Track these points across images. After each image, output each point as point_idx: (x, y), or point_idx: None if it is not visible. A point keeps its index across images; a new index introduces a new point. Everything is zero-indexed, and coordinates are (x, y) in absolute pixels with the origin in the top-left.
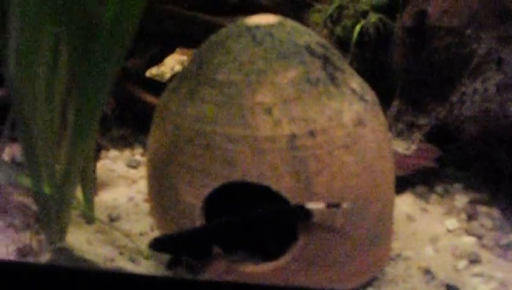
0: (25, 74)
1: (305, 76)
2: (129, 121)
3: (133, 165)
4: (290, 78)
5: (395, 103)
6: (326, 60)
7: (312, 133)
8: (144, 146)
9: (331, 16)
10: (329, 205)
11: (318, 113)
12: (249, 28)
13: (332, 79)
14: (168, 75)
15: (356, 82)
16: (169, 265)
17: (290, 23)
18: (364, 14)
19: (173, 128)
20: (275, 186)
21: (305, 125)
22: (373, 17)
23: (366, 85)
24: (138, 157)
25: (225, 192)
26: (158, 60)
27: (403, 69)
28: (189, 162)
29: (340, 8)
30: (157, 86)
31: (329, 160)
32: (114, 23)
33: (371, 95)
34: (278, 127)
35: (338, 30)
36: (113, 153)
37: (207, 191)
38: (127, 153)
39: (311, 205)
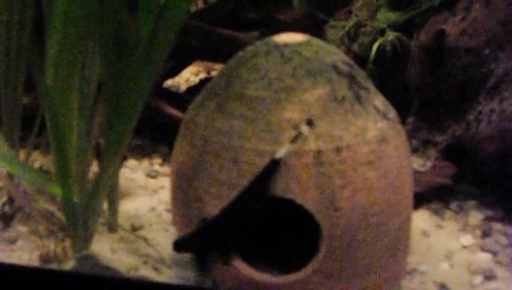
0: (62, 86)
1: (332, 94)
2: (147, 131)
3: (152, 175)
4: (317, 96)
5: (411, 120)
6: (352, 79)
7: (338, 150)
8: (163, 156)
9: (348, 32)
10: (292, 140)
11: (344, 130)
12: (277, 46)
13: (358, 97)
14: (183, 87)
15: (379, 100)
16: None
17: (317, 42)
18: (382, 32)
19: (201, 141)
20: (299, 200)
21: (331, 141)
22: (390, 35)
23: (388, 103)
24: (157, 167)
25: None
26: (176, 72)
27: (419, 87)
28: (216, 175)
29: (358, 25)
30: (174, 97)
31: (353, 175)
32: (150, 40)
33: (393, 113)
34: (305, 143)
35: (355, 47)
36: (131, 162)
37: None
38: (145, 162)
39: (279, 154)
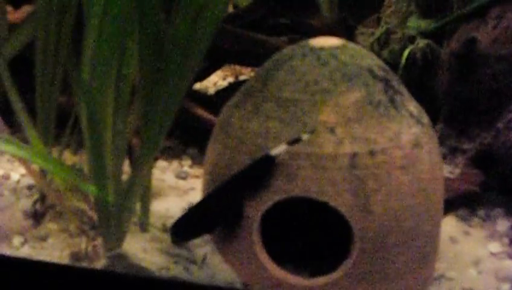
0: (98, 83)
1: (367, 98)
2: (177, 133)
3: (182, 177)
4: (353, 100)
5: (439, 127)
6: (387, 83)
7: (372, 153)
8: (192, 158)
9: (378, 39)
10: (290, 143)
11: (378, 134)
12: (313, 49)
13: (393, 102)
14: (211, 90)
15: (413, 105)
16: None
17: (353, 46)
18: (412, 39)
19: (236, 142)
20: (333, 203)
21: (366, 145)
22: (421, 43)
23: (421, 109)
24: (187, 168)
25: (284, 206)
26: (205, 75)
27: (448, 95)
28: None
29: (388, 32)
30: (204, 99)
31: (387, 179)
32: (188, 39)
33: (426, 119)
34: (340, 145)
35: (385, 54)
36: (161, 163)
37: (266, 205)
38: (175, 164)
39: (274, 151)
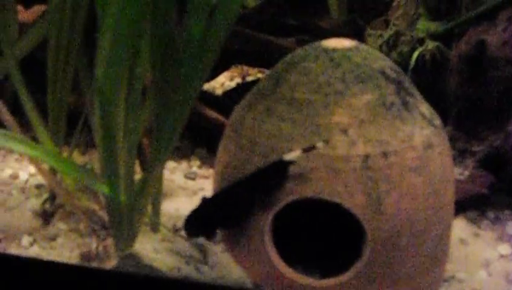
0: (112, 84)
1: (380, 100)
2: (184, 134)
3: (191, 177)
4: (366, 101)
5: (448, 129)
6: (399, 85)
7: (385, 155)
8: (201, 159)
9: (387, 41)
10: (305, 150)
11: (391, 136)
12: (326, 51)
13: (405, 104)
14: (218, 91)
15: (425, 107)
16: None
17: (365, 47)
18: (421, 41)
19: (248, 143)
20: (346, 204)
21: (378, 146)
22: (430, 45)
23: (433, 110)
24: (195, 169)
25: (295, 208)
26: (213, 76)
27: (458, 97)
28: None
29: (397, 34)
30: (212, 100)
31: (399, 181)
32: (201, 39)
33: (438, 121)
34: (353, 147)
35: (394, 55)
36: (170, 164)
37: (278, 205)
38: (184, 164)
39: (288, 156)
